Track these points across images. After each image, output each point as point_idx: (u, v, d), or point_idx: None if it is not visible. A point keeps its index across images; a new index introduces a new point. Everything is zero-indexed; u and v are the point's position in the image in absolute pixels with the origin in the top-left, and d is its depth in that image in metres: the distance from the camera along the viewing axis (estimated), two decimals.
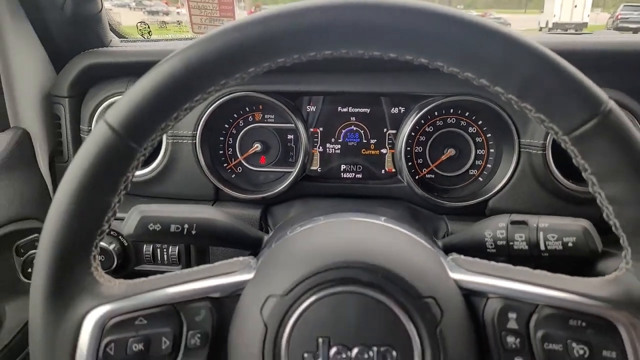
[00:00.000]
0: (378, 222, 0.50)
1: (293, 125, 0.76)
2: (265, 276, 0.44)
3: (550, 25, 12.29)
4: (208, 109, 0.73)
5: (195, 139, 0.73)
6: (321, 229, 0.49)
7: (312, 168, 0.81)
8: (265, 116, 0.80)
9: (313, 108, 0.81)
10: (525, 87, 0.40)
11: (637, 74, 0.67)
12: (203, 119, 0.73)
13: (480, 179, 0.78)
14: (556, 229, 0.54)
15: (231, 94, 0.73)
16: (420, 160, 0.79)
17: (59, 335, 0.42)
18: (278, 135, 0.80)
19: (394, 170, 0.80)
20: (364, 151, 0.81)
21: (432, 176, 0.79)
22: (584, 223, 0.54)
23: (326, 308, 0.41)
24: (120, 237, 0.72)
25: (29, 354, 0.45)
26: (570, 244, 0.53)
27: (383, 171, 0.81)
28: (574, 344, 0.41)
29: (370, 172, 0.81)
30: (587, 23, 12.61)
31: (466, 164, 0.78)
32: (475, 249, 0.59)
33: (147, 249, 0.72)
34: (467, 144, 0.78)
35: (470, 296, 0.44)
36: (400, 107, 0.79)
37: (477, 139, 0.78)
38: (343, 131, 0.81)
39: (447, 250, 0.63)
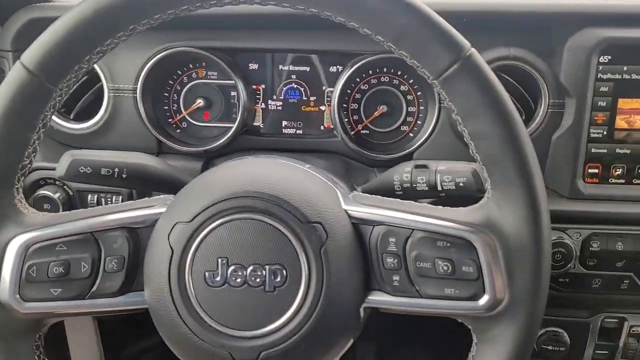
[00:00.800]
0: (283, 161, 0.55)
1: (233, 82, 0.81)
2: (176, 206, 0.50)
3: None
4: (148, 63, 0.77)
5: (136, 93, 0.77)
6: (230, 166, 0.54)
7: (255, 124, 0.86)
8: (209, 73, 0.84)
9: (255, 66, 0.85)
10: (399, 36, 0.45)
11: (545, 35, 0.72)
12: (143, 73, 0.77)
13: (411, 134, 0.83)
14: (450, 171, 0.60)
15: (170, 49, 0.77)
16: (355, 117, 0.84)
17: None
18: (221, 91, 0.84)
19: (332, 126, 0.85)
20: (304, 108, 0.86)
21: (367, 132, 0.84)
22: (474, 166, 0.60)
23: (226, 232, 0.47)
24: (65, 186, 0.76)
25: None
26: (461, 184, 0.58)
27: (322, 127, 0.86)
28: (439, 262, 0.47)
29: (310, 127, 0.86)
30: None
31: (398, 120, 0.83)
32: (386, 192, 0.64)
33: (92, 198, 0.77)
34: (399, 101, 0.83)
35: (360, 225, 0.50)
36: (338, 66, 0.83)
37: (409, 97, 0.83)
38: (284, 89, 0.85)
39: (368, 192, 0.69)
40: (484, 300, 0.46)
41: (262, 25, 0.81)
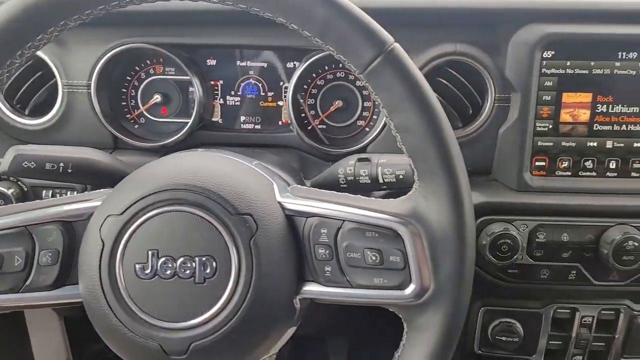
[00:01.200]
0: (222, 154, 0.56)
1: (190, 78, 0.81)
2: (110, 200, 0.50)
3: None
4: (102, 59, 0.77)
5: (90, 89, 0.78)
6: (165, 160, 0.55)
7: (213, 119, 0.87)
8: (166, 69, 0.85)
9: (213, 62, 0.85)
10: (324, 31, 0.45)
11: (491, 31, 0.73)
12: (97, 68, 0.77)
13: (367, 129, 0.84)
14: (391, 164, 0.61)
15: (124, 45, 0.78)
16: (312, 112, 0.85)
17: None
18: (179, 87, 0.85)
19: (289, 121, 0.86)
20: (262, 103, 0.86)
21: (324, 127, 0.85)
22: None
23: (157, 225, 0.47)
24: (19, 182, 0.77)
25: None
26: (401, 176, 0.60)
27: (280, 122, 0.86)
28: (368, 252, 0.48)
29: (268, 123, 0.87)
30: None
31: (354, 115, 0.84)
32: (332, 185, 0.66)
33: (46, 193, 0.77)
34: (355, 96, 0.84)
35: (294, 217, 0.51)
36: (295, 62, 0.84)
37: (364, 92, 0.83)
38: (242, 84, 0.86)
39: (316, 186, 0.70)
40: (410, 289, 0.47)
41: (219, 22, 0.82)
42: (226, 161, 0.54)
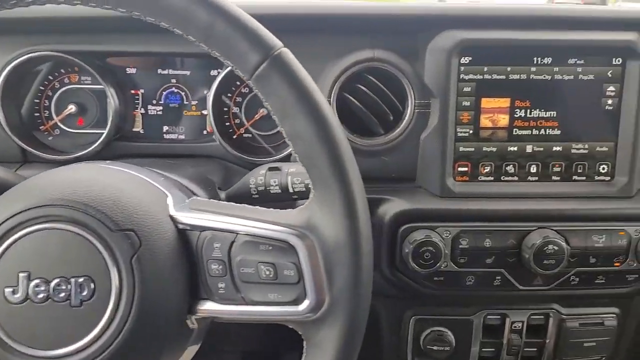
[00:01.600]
0: (112, 166, 0.53)
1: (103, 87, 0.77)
2: None
3: None
4: (6, 67, 0.73)
5: None
6: (44, 175, 0.51)
7: (135, 130, 0.83)
8: (82, 78, 0.81)
9: (133, 70, 0.82)
10: (208, 36, 0.43)
11: (409, 37, 0.72)
12: (1, 77, 0.73)
13: None
14: (300, 173, 0.59)
15: (31, 53, 0.74)
16: (237, 121, 0.83)
17: None
18: (96, 96, 0.81)
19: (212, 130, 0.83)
20: (185, 112, 0.83)
21: (250, 135, 0.83)
22: None
23: (29, 244, 0.44)
24: None
25: None
26: (310, 185, 0.57)
27: (205, 132, 0.84)
28: (262, 266, 0.45)
29: (192, 132, 0.84)
30: None
31: None
32: (244, 196, 0.63)
33: None
34: None
35: (187, 231, 0.48)
36: (218, 69, 0.82)
37: None
38: (164, 93, 0.83)
39: (230, 198, 0.67)
40: (305, 304, 0.45)
41: (137, 28, 0.78)
42: (114, 173, 0.51)
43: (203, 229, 0.47)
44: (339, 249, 0.44)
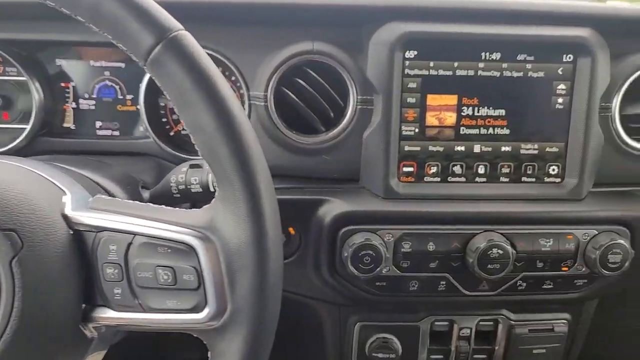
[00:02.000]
0: (4, 162, 0.48)
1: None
2: None
3: None
4: None
5: None
6: None
7: (65, 125, 0.78)
8: (7, 69, 0.76)
9: (63, 61, 0.77)
10: (94, 15, 0.39)
11: (353, 29, 0.69)
12: None
13: None
14: None
15: None
16: (175, 116, 0.78)
17: None
18: (22, 89, 0.76)
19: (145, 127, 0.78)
20: (119, 107, 0.79)
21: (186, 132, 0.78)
22: None
23: None
24: None
25: None
26: None
27: (142, 127, 0.79)
28: (160, 270, 0.41)
29: (127, 128, 0.79)
30: None
31: None
32: (166, 196, 0.59)
33: None
34: None
35: (83, 232, 0.44)
36: None
37: None
38: (97, 86, 0.78)
39: (152, 198, 0.63)
40: (205, 312, 0.41)
41: (66, 15, 0.74)
42: (6, 168, 0.47)
43: (100, 229, 0.43)
44: (241, 252, 0.40)
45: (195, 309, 0.41)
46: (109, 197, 0.48)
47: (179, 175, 0.57)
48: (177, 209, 0.44)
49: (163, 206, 0.45)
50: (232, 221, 0.40)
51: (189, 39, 0.40)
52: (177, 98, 0.40)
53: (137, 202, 0.46)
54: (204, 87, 0.39)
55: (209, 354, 0.43)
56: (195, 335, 0.43)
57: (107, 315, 0.43)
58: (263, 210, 0.40)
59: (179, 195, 0.57)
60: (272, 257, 0.40)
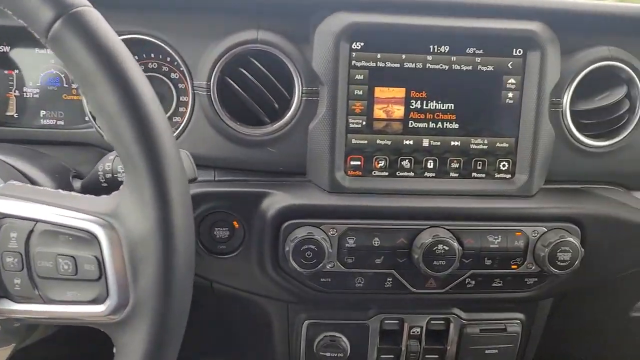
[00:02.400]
0: None
1: None
2: None
3: None
4: None
5: None
6: None
7: (8, 114, 0.76)
8: None
9: (6, 48, 0.75)
10: None
11: (299, 19, 0.67)
12: None
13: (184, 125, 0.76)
14: None
15: None
16: None
17: None
18: None
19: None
20: (65, 96, 0.76)
21: None
22: (185, 152, 0.53)
23: None
24: None
25: None
26: None
27: (87, 118, 0.77)
28: (61, 260, 0.39)
29: (72, 118, 0.76)
30: None
31: (169, 110, 0.76)
32: (94, 185, 0.57)
33: None
34: (169, 90, 0.75)
35: None
36: None
37: (180, 85, 0.75)
38: (42, 74, 0.76)
39: (83, 188, 0.61)
40: (106, 304, 0.39)
41: None
42: None
43: (3, 215, 0.41)
44: (145, 242, 0.38)
45: (96, 301, 0.39)
46: (21, 184, 0.46)
47: (106, 164, 0.55)
48: (88, 195, 0.42)
49: (73, 193, 0.43)
50: (136, 209, 0.38)
51: (93, 16, 0.38)
52: (79, 78, 0.38)
53: (49, 189, 0.44)
54: (107, 66, 0.37)
55: (114, 349, 0.41)
56: (100, 329, 0.41)
57: (7, 307, 0.41)
58: (169, 197, 0.38)
59: (106, 185, 0.55)
60: (179, 247, 0.38)
